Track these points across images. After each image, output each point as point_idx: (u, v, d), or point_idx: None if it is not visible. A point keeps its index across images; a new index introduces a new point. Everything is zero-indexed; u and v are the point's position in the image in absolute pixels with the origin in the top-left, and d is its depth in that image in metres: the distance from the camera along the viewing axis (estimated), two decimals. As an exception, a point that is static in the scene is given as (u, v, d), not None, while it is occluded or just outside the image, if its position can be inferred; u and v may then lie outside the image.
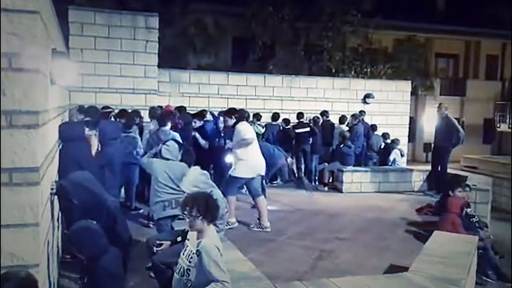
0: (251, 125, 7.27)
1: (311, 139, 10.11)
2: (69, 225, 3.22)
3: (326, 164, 10.36)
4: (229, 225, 5.97)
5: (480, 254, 5.43)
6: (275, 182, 9.83)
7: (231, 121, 6.46)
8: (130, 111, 7.50)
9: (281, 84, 11.30)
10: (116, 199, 4.67)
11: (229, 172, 6.41)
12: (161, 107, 8.26)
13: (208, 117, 8.68)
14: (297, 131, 10.13)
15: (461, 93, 21.01)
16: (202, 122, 8.25)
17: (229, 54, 17.50)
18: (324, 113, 10.89)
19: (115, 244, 3.15)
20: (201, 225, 2.86)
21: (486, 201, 8.18)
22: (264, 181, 7.22)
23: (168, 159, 4.81)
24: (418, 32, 19.08)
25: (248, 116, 8.36)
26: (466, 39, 21.63)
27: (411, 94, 13.24)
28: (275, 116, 10.61)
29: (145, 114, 7.86)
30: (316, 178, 10.41)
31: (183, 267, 2.88)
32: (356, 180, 9.74)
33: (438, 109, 9.27)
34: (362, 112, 11.39)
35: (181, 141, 5.88)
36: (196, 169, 4.36)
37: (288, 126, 10.37)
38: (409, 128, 12.99)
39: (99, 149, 4.89)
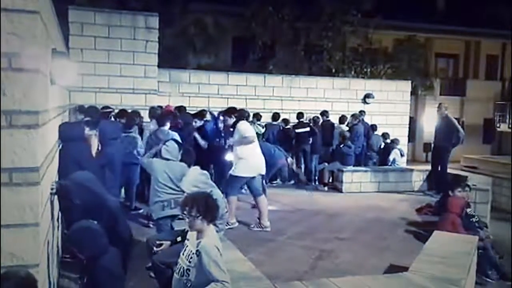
0: (251, 125, 7.27)
1: (311, 139, 10.11)
2: (69, 225, 3.22)
3: (326, 164, 10.35)
4: (229, 225, 5.98)
5: (480, 254, 5.44)
6: (275, 182, 9.84)
7: (231, 121, 6.47)
8: (130, 111, 7.49)
9: (281, 84, 11.29)
10: (116, 199, 4.68)
11: (230, 172, 6.41)
12: (161, 107, 8.27)
13: (208, 117, 8.68)
14: (297, 131, 10.13)
15: (461, 93, 21.01)
16: (202, 122, 8.26)
17: (229, 54, 17.50)
18: (324, 113, 10.88)
19: (116, 244, 3.15)
20: (201, 225, 2.86)
21: (486, 201, 8.18)
22: (264, 181, 7.22)
23: (168, 159, 4.82)
24: (418, 32, 19.07)
25: (248, 115, 8.38)
26: (466, 39, 21.64)
27: (411, 94, 13.22)
28: (275, 116, 10.62)
29: (145, 114, 7.85)
30: (316, 178, 10.41)
31: (183, 267, 2.89)
32: (356, 180, 9.74)
33: (438, 109, 9.26)
34: (362, 112, 11.38)
35: (180, 141, 5.88)
36: (196, 169, 4.37)
37: (288, 126, 10.37)
38: (409, 128, 12.97)
39: (99, 149, 4.90)
